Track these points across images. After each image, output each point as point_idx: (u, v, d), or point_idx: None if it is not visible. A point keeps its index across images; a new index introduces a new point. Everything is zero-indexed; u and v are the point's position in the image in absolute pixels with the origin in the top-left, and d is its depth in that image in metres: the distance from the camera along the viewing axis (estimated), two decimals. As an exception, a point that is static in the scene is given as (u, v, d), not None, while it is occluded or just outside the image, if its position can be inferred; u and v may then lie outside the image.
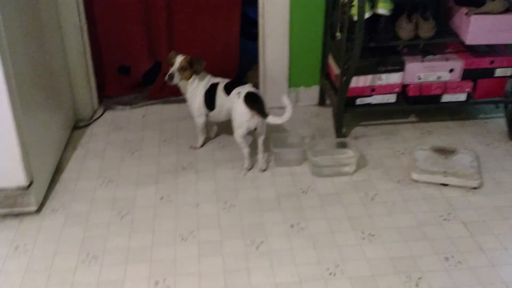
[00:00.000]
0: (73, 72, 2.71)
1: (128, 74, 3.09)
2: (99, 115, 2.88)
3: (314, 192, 2.23)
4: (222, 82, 2.40)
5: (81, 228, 2.07)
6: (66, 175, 2.39)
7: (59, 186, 2.31)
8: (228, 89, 2.34)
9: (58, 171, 2.40)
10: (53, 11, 2.49)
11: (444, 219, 2.05)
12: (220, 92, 2.36)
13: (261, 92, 2.37)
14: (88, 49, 2.74)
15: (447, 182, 2.21)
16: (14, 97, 1.94)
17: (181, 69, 2.35)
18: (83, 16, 2.65)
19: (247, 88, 2.30)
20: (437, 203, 2.14)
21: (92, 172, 2.41)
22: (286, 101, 2.22)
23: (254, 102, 2.25)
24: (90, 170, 2.43)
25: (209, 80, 2.43)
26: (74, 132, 2.71)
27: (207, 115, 2.47)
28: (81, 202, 2.22)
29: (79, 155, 2.54)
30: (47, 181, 2.28)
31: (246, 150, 2.35)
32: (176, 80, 2.36)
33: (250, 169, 2.38)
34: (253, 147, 2.39)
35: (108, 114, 2.89)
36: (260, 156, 2.38)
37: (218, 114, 2.42)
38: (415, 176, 2.25)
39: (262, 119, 2.25)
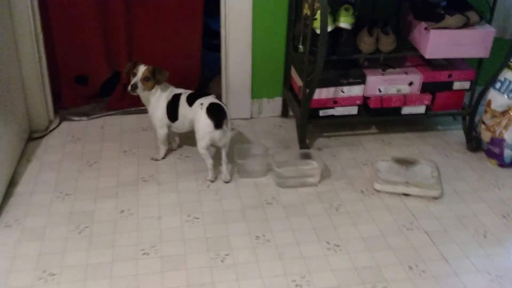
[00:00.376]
0: (28, 81, 2.60)
1: (86, 84, 3.01)
2: (55, 126, 2.78)
3: (279, 203, 2.21)
4: (184, 93, 2.37)
5: (37, 243, 1.98)
6: (20, 188, 2.29)
7: (13, 201, 2.21)
8: (190, 100, 2.31)
9: (11, 184, 2.29)
10: (6, 18, 2.39)
11: (407, 229, 2.08)
12: (182, 103, 2.33)
13: (224, 103, 2.36)
14: (43, 58, 2.64)
15: (409, 192, 2.25)
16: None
17: (144, 79, 2.30)
18: (38, 23, 2.55)
19: (210, 99, 2.28)
20: (400, 213, 2.17)
21: (48, 185, 2.31)
22: None
23: (217, 113, 2.23)
24: (45, 183, 2.33)
25: (171, 91, 2.39)
26: (28, 143, 2.60)
27: (169, 126, 2.43)
28: (36, 216, 2.12)
29: (34, 167, 2.44)
30: (-1, 196, 2.17)
31: (209, 162, 2.32)
32: (139, 90, 2.31)
33: (213, 181, 2.35)
34: (216, 158, 2.36)
35: (65, 125, 2.80)
36: (224, 168, 2.35)
37: (181, 125, 2.38)
38: (377, 186, 2.27)
39: (229, 131, 2.24)
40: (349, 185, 2.34)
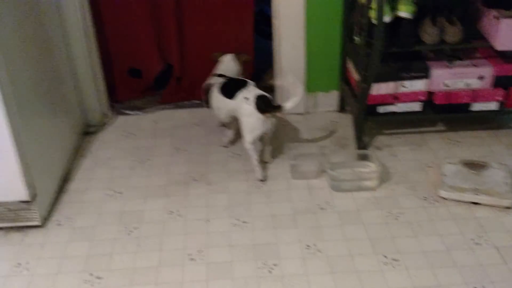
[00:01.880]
0: (81, 76, 2.59)
1: (139, 77, 2.99)
2: (110, 120, 2.78)
3: (333, 209, 2.08)
4: (216, 83, 2.31)
5: (86, 244, 1.97)
6: (74, 185, 2.30)
7: (65, 197, 2.22)
8: (226, 91, 2.24)
9: (65, 180, 2.31)
10: (54, 12, 2.37)
11: (475, 243, 1.89)
12: (216, 95, 2.27)
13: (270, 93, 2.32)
14: (95, 52, 2.62)
15: (478, 201, 2.04)
16: (11, 107, 1.82)
17: None
18: (88, 18, 2.53)
19: (253, 91, 2.18)
20: (467, 224, 1.97)
21: (101, 182, 2.31)
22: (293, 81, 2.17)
23: (266, 105, 2.14)
24: (98, 180, 2.33)
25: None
26: (83, 138, 2.61)
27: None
28: (87, 215, 2.12)
29: (88, 163, 2.44)
30: (52, 192, 2.19)
31: (255, 158, 2.24)
32: None
33: (263, 180, 2.25)
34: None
35: (120, 120, 2.79)
36: (265, 148, 2.33)
37: (217, 114, 2.35)
38: (443, 193, 2.08)
39: (274, 119, 2.18)
40: (410, 190, 2.16)
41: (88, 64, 2.59)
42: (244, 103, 2.15)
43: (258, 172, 2.25)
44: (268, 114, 2.13)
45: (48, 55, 2.25)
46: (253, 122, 2.14)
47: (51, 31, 2.30)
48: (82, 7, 2.47)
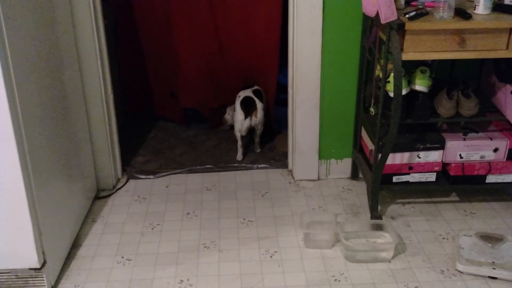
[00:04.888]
0: (97, 143, 2.62)
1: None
2: (121, 184, 2.78)
3: (348, 281, 2.03)
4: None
5: (93, 315, 1.92)
6: (83, 251, 2.26)
7: (74, 264, 2.18)
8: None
9: (74, 246, 2.28)
10: (77, 82, 2.43)
11: (496, 321, 1.83)
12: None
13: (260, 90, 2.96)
14: (113, 118, 2.67)
15: (495, 275, 1.99)
16: (29, 175, 1.84)
17: None
18: (109, 87, 2.60)
19: (247, 92, 2.88)
20: (486, 301, 1.92)
21: (110, 249, 2.27)
22: None
23: (248, 105, 2.84)
24: (108, 246, 2.30)
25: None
26: (95, 202, 2.61)
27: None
28: (95, 283, 2.08)
29: (98, 228, 2.42)
30: (62, 259, 2.15)
31: (239, 144, 2.93)
32: None
33: (240, 160, 2.92)
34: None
35: (131, 184, 2.79)
36: (256, 141, 2.96)
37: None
38: (460, 267, 2.03)
39: (256, 120, 2.87)
40: (427, 262, 2.12)
41: (106, 131, 2.62)
42: (237, 101, 2.85)
43: (238, 154, 2.94)
44: (248, 115, 2.84)
45: (67, 122, 2.28)
46: (237, 115, 2.87)
47: (71, 98, 2.35)
48: (103, 76, 2.54)
